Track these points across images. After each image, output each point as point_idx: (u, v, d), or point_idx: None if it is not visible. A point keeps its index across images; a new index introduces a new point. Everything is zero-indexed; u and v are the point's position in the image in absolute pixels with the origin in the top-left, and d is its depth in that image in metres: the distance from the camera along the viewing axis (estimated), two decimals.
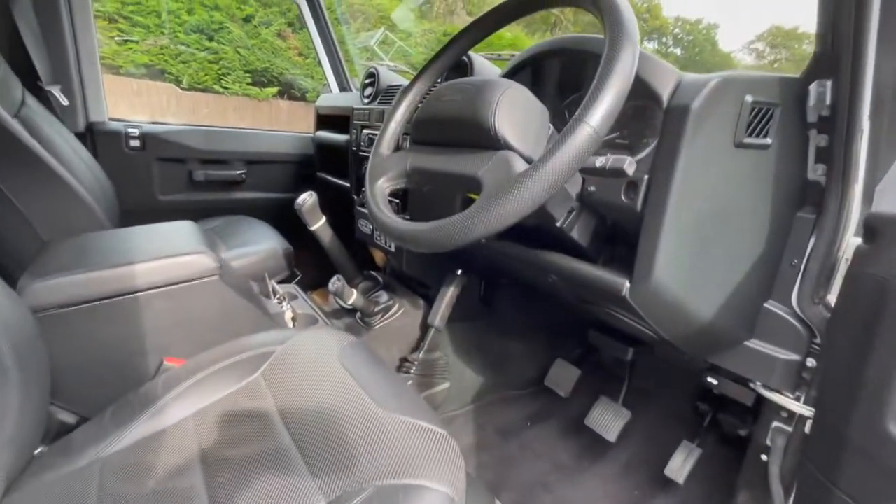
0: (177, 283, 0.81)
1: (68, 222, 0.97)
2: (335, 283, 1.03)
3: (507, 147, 0.55)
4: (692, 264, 0.61)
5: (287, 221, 1.41)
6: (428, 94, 0.70)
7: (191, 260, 0.83)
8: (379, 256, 1.51)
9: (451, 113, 0.61)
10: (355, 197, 1.39)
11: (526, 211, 0.48)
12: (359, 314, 1.15)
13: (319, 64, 1.77)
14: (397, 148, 0.75)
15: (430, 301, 1.22)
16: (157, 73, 6.10)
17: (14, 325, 0.55)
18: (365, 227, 1.31)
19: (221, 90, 6.44)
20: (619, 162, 0.57)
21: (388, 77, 1.34)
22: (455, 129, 0.61)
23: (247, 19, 6.50)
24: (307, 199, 1.07)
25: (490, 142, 0.56)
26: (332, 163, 1.63)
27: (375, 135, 0.89)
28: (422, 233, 0.56)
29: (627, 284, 0.63)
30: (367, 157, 0.75)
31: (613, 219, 0.72)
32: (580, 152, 0.47)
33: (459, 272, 1.13)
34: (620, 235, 0.72)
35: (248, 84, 6.65)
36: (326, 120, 1.69)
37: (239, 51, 6.50)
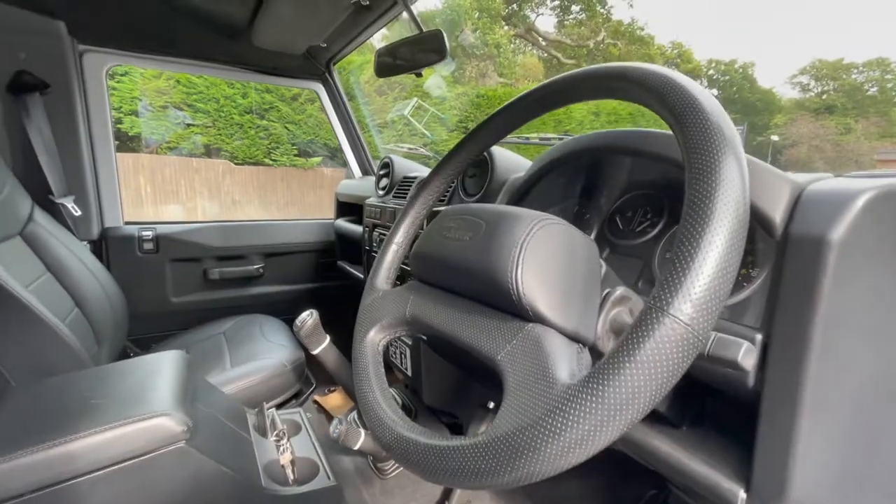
0: (126, 461, 0.64)
1: (42, 361, 0.86)
2: (337, 426, 0.82)
3: (539, 320, 0.35)
4: (846, 463, 0.41)
5: None
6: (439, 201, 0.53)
7: (148, 426, 0.66)
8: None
9: (458, 258, 0.42)
10: None
11: (577, 460, 0.29)
12: (370, 457, 0.93)
13: (341, 150, 1.69)
14: (402, 278, 0.57)
15: (459, 434, 0.98)
16: (215, 150, 6.76)
17: None
18: None
19: (271, 162, 6.94)
20: (729, 348, 0.35)
21: (403, 167, 1.21)
22: (466, 279, 0.42)
23: (294, 97, 7.06)
24: (307, 319, 0.90)
25: (513, 308, 0.37)
26: (352, 252, 1.50)
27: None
28: (413, 448, 0.37)
29: (743, 496, 0.42)
30: None
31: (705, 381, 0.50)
32: (665, 370, 0.27)
33: (492, 405, 0.89)
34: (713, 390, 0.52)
35: (294, 155, 7.16)
36: (346, 207, 1.59)
37: (287, 126, 7.03)
